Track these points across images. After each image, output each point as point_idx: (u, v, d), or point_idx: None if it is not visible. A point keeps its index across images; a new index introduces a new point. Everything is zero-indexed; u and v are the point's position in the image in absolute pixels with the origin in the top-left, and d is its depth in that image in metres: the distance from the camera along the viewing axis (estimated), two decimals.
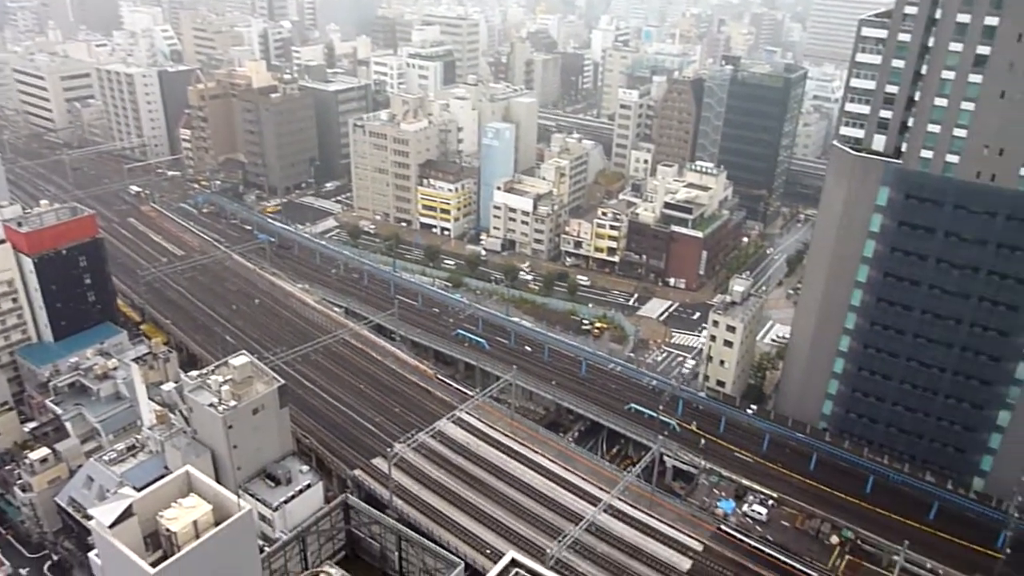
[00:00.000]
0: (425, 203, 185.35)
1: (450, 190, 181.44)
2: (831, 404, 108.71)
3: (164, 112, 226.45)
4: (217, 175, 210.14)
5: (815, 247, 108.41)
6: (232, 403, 77.20)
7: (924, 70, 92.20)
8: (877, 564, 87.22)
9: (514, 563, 37.10)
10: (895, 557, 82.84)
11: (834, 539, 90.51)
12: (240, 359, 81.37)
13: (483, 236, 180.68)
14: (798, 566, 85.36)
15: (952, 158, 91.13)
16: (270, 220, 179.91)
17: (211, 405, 77.28)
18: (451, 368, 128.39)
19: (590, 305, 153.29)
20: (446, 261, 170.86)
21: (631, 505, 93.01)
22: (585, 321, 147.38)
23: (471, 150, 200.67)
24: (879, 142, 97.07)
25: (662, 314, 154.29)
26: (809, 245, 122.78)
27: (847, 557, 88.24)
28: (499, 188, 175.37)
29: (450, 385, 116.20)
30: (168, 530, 30.67)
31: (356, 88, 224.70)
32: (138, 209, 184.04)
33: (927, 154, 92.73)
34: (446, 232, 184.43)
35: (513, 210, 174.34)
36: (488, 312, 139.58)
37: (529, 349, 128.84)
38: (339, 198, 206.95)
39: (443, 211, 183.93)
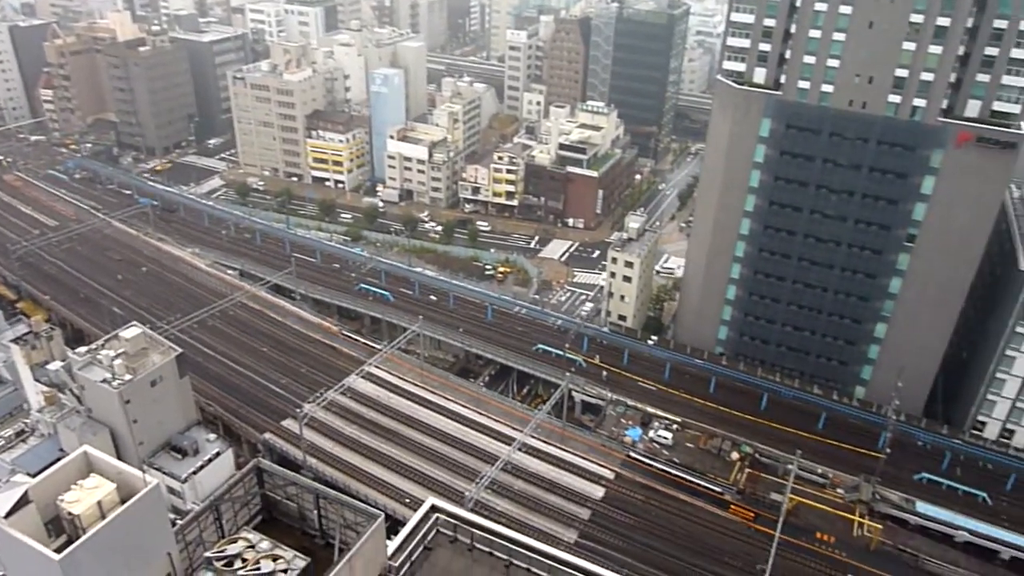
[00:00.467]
0: (316, 156, 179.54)
1: (341, 141, 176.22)
2: (726, 329, 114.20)
3: (19, 71, 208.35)
4: (87, 137, 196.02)
5: (704, 180, 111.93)
6: (127, 377, 74.00)
7: (799, 3, 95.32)
8: (774, 474, 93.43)
9: (434, 509, 37.61)
10: (789, 466, 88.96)
11: (734, 455, 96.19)
12: (132, 331, 77.72)
13: (379, 187, 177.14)
14: (703, 483, 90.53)
15: (827, 88, 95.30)
16: (151, 183, 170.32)
17: (104, 381, 73.82)
18: (356, 323, 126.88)
19: (492, 250, 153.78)
20: (343, 215, 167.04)
21: (544, 441, 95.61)
22: (488, 266, 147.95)
23: (360, 98, 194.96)
24: (760, 75, 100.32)
25: (563, 255, 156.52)
26: (699, 179, 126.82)
27: (747, 470, 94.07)
28: (392, 137, 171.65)
29: (356, 340, 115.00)
30: (70, 513, 29.44)
31: (232, 38, 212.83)
32: (0, 179, 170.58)
33: (804, 85, 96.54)
34: (340, 185, 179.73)
35: (408, 159, 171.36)
36: (390, 264, 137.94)
37: (434, 298, 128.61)
38: (224, 155, 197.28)
39: (335, 163, 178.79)
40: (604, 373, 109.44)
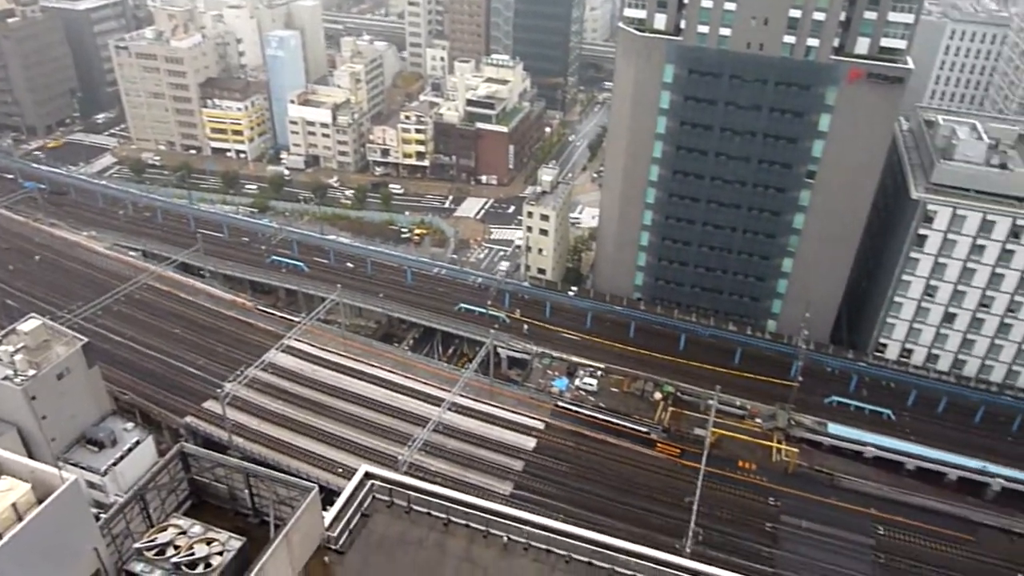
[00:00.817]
0: (213, 126, 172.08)
1: (239, 109, 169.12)
2: (642, 275, 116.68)
3: None
4: None
5: (613, 129, 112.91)
6: (31, 372, 70.16)
7: None
8: (696, 410, 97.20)
9: (368, 476, 37.63)
10: (709, 401, 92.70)
11: (657, 395, 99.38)
12: (30, 323, 73.48)
13: (283, 155, 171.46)
14: (629, 425, 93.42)
15: (725, 31, 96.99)
16: (35, 165, 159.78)
17: (6, 378, 69.95)
18: (271, 297, 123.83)
19: (407, 213, 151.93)
20: (247, 186, 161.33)
21: (473, 399, 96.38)
22: (404, 229, 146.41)
23: (256, 64, 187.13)
24: (661, 21, 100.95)
25: (478, 212, 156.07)
26: (607, 128, 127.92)
27: (670, 409, 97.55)
28: (293, 101, 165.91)
29: (273, 314, 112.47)
30: None
31: (111, 4, 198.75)
32: None
33: (703, 29, 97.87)
34: (242, 155, 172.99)
35: (311, 123, 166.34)
36: (302, 233, 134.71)
37: (351, 265, 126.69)
38: (114, 131, 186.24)
39: (235, 133, 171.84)
40: (525, 327, 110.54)
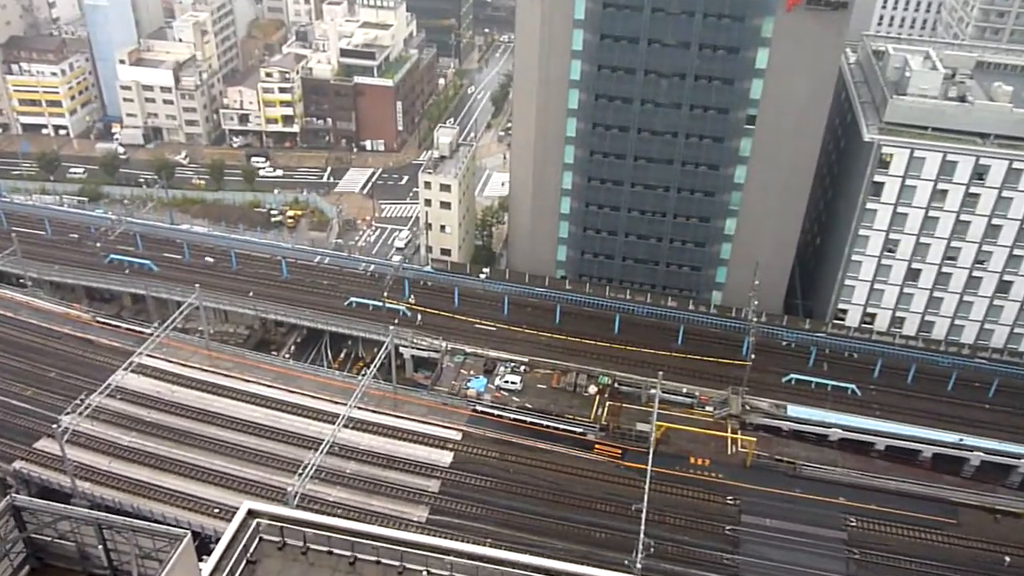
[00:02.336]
0: (23, 97, 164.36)
1: (54, 75, 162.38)
2: (565, 249, 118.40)
3: None
4: None
5: (519, 77, 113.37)
6: None
7: None
8: (637, 402, 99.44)
9: (252, 514, 37.12)
10: (652, 391, 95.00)
11: (592, 389, 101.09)
12: None
13: (116, 128, 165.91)
14: (561, 426, 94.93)
15: None
16: None
17: None
18: (113, 305, 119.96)
19: (276, 191, 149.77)
20: (72, 169, 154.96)
21: (374, 411, 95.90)
22: (274, 211, 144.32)
23: (72, 16, 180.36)
24: None
25: (365, 186, 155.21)
26: (512, 77, 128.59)
27: (608, 403, 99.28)
28: (123, 62, 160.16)
29: (117, 327, 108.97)
30: None
31: None
32: None
33: None
34: (62, 131, 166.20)
35: (149, 87, 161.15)
36: (146, 224, 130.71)
37: (211, 260, 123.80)
38: None
39: (51, 104, 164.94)
40: (431, 319, 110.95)
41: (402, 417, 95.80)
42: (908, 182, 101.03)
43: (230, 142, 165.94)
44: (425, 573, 35.77)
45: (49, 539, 34.22)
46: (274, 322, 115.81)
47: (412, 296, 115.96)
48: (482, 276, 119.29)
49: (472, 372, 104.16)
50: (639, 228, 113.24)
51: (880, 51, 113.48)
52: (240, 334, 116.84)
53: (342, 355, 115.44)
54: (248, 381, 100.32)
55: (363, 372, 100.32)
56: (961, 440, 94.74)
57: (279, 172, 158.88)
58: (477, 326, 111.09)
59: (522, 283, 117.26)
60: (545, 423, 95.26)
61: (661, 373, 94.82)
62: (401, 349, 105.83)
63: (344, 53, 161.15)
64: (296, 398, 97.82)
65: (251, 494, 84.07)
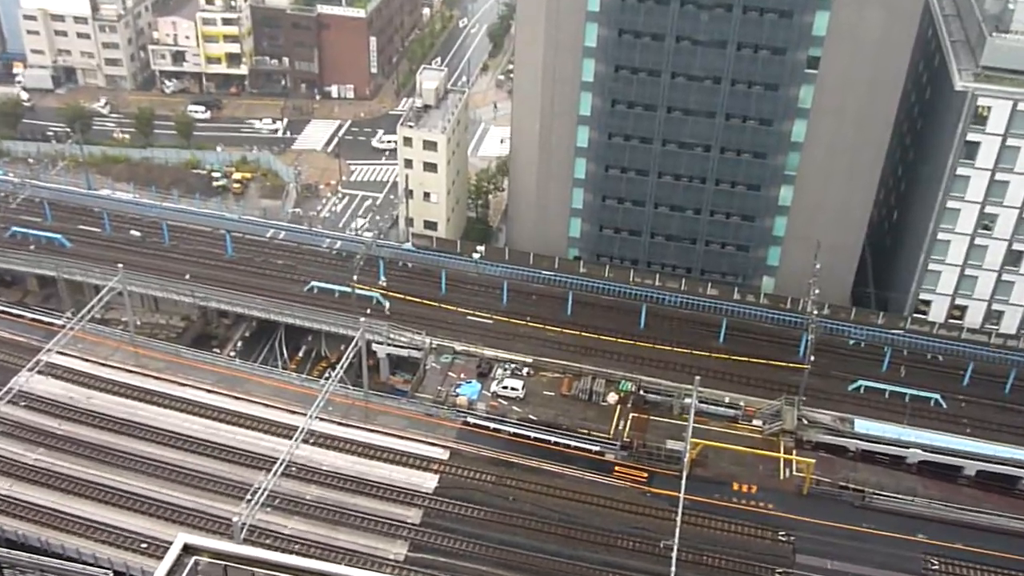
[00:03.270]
0: None
1: None
2: (579, 223, 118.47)
3: None
4: None
5: (523, 7, 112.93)
6: None
7: None
8: (668, 414, 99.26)
9: (189, 550, 37.19)
10: (686, 400, 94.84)
11: (612, 397, 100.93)
12: None
13: (18, 69, 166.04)
14: (574, 444, 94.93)
15: None
16: None
17: None
18: (16, 290, 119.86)
19: (219, 148, 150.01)
20: None
21: (340, 423, 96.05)
22: (216, 174, 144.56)
23: None
24: None
25: (330, 142, 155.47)
26: (515, 5, 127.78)
27: (631, 415, 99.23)
28: None
29: (21, 317, 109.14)
30: None
31: None
32: None
33: None
34: None
35: (59, 17, 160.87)
36: (57, 189, 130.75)
37: (137, 234, 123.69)
38: None
39: None
40: (389, 306, 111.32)
41: (375, 431, 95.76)
42: (1010, 142, 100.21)
43: (161, 87, 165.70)
44: None
45: None
46: (216, 312, 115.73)
47: (388, 281, 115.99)
48: (476, 256, 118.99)
49: (463, 375, 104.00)
50: (672, 197, 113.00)
51: None
52: (174, 327, 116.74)
53: (300, 353, 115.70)
54: (184, 385, 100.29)
55: (327, 375, 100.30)
56: None
57: (223, 124, 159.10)
58: (469, 318, 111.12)
59: (525, 265, 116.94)
60: (553, 439, 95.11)
61: (698, 378, 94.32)
62: (374, 347, 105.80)
63: None
64: (244, 406, 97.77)
65: (187, 525, 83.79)
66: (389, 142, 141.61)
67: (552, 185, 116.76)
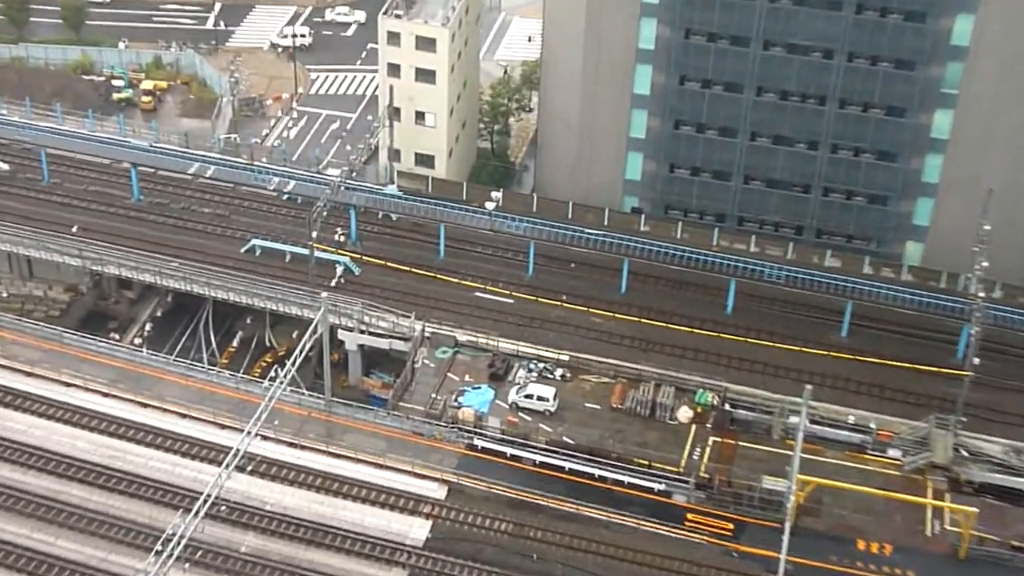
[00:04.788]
0: None
1: None
2: (641, 159, 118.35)
3: None
4: None
5: None
6: None
7: None
8: (763, 438, 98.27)
9: None
10: (791, 418, 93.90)
11: (684, 412, 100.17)
12: None
13: None
14: (627, 479, 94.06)
15: None
16: None
17: None
18: None
19: (122, 44, 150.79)
20: None
21: (293, 444, 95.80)
22: (118, 81, 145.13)
23: None
24: None
25: (280, 39, 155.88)
26: None
27: (711, 440, 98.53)
28: None
29: None
30: None
31: None
32: None
33: None
34: None
35: None
36: None
37: (5, 166, 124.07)
38: None
39: None
40: (359, 272, 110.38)
41: (341, 456, 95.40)
42: None
43: None
44: None
45: None
46: (116, 281, 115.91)
47: (362, 240, 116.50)
48: (489, 206, 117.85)
49: (468, 378, 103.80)
50: (776, 124, 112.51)
51: None
52: (56, 301, 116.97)
53: (236, 342, 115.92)
54: (69, 385, 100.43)
55: (273, 374, 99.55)
56: None
57: (128, 11, 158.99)
58: (479, 295, 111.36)
59: (561, 220, 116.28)
60: (598, 473, 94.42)
61: (809, 387, 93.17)
62: (341, 335, 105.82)
63: None
64: (153, 417, 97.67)
65: None
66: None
67: (602, 103, 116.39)
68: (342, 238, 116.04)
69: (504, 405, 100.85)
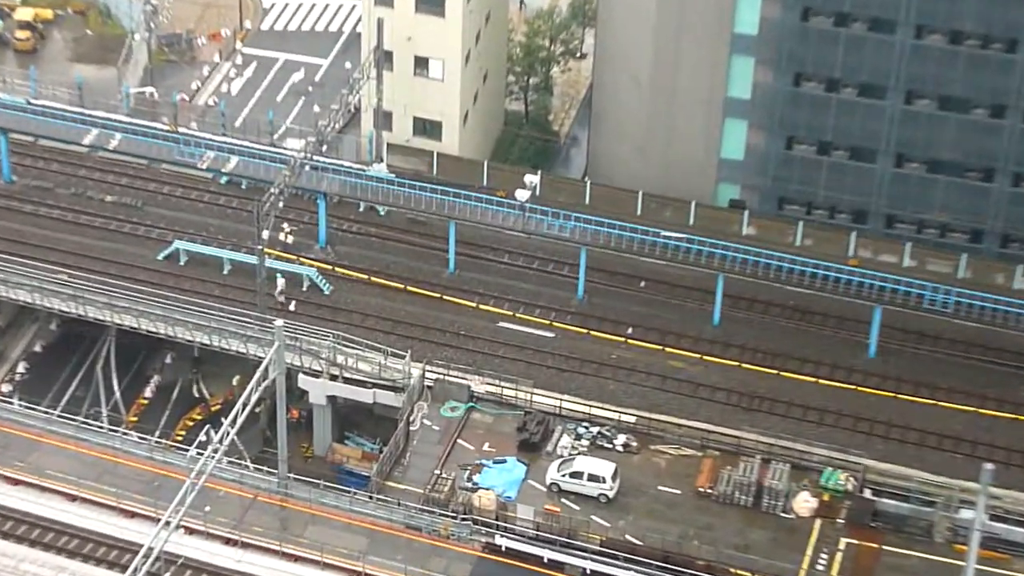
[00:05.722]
0: None
1: None
2: (744, 129, 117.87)
3: None
4: None
5: None
6: None
7: None
8: (924, 543, 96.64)
9: None
10: (963, 512, 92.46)
11: (804, 502, 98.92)
12: None
13: None
14: None
15: None
16: None
17: None
18: None
19: None
20: None
21: (232, 541, 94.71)
22: None
23: None
24: None
25: None
26: None
27: (846, 540, 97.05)
28: None
29: None
30: None
31: None
32: None
33: None
34: None
35: None
36: None
37: None
38: None
39: None
40: (329, 290, 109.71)
41: (302, 558, 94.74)
42: None
43: None
44: None
45: None
46: None
47: (334, 242, 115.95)
48: (522, 196, 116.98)
49: (488, 446, 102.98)
50: (943, 82, 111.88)
51: None
52: None
53: (150, 391, 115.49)
54: None
55: (204, 437, 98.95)
56: None
57: None
58: (505, 324, 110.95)
59: (625, 216, 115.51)
60: None
61: (989, 467, 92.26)
62: (304, 382, 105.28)
63: None
64: (28, 499, 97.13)
65: None
66: None
67: (687, 49, 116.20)
68: (290, 238, 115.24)
69: (540, 487, 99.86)
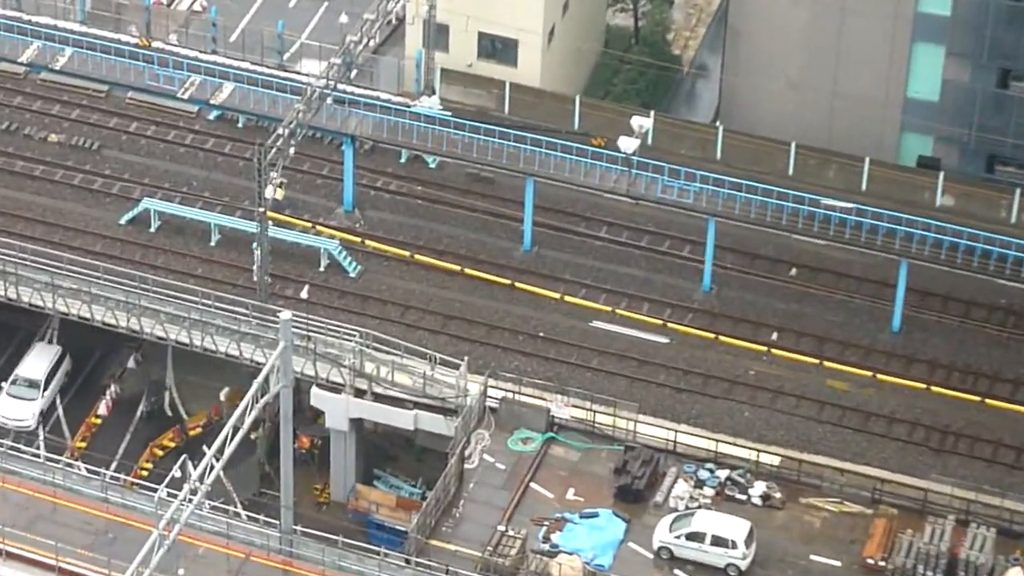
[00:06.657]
0: None
1: None
2: (940, 57, 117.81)
3: None
4: None
5: None
6: None
7: None
8: None
9: None
10: None
11: None
12: None
13: None
14: None
15: None
16: None
17: None
18: None
19: None
20: None
21: None
22: None
23: None
24: None
25: None
26: None
27: None
28: None
29: None
30: None
31: None
32: None
33: None
34: None
35: None
36: None
37: None
38: None
39: None
40: (356, 270, 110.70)
41: None
42: None
43: None
44: None
45: None
46: None
47: (364, 203, 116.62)
48: (628, 146, 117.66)
49: (574, 494, 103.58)
50: None
51: None
52: None
53: (105, 405, 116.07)
54: None
55: (179, 472, 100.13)
56: None
57: None
58: (599, 324, 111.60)
59: (775, 179, 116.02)
60: None
61: None
62: (318, 397, 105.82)
63: None
64: None
65: None
66: None
67: None
68: (280, 192, 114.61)
69: (645, 552, 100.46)
